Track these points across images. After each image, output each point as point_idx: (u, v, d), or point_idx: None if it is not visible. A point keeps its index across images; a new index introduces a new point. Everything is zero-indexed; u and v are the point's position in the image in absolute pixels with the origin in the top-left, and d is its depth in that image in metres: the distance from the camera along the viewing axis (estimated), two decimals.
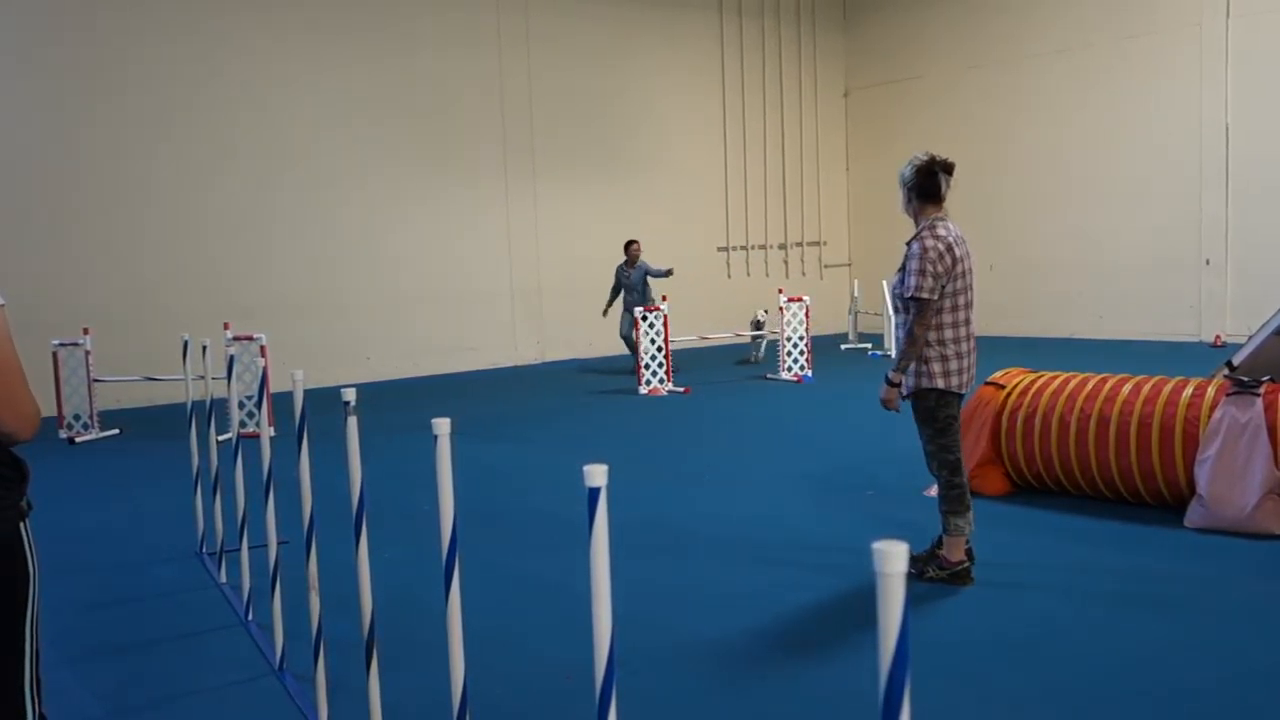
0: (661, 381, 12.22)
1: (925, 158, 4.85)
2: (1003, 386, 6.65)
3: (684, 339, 13.94)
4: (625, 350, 14.04)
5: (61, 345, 10.53)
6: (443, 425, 2.67)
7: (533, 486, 7.48)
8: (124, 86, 12.74)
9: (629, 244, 13.68)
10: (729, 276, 18.51)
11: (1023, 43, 16.94)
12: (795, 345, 12.84)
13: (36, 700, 2.30)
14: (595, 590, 2.06)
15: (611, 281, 13.88)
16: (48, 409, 10.01)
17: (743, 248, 18.73)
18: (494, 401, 12.15)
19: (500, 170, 15.90)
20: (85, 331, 10.72)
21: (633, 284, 13.51)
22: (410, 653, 4.22)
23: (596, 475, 2.04)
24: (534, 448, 9.10)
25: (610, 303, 13.91)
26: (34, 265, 11.87)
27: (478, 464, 7.85)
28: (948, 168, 4.85)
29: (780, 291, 13.49)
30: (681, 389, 12.15)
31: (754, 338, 14.59)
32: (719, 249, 18.44)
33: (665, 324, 12.29)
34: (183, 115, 13.13)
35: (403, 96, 14.85)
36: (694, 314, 16.04)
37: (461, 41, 15.36)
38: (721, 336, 15.12)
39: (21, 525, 2.29)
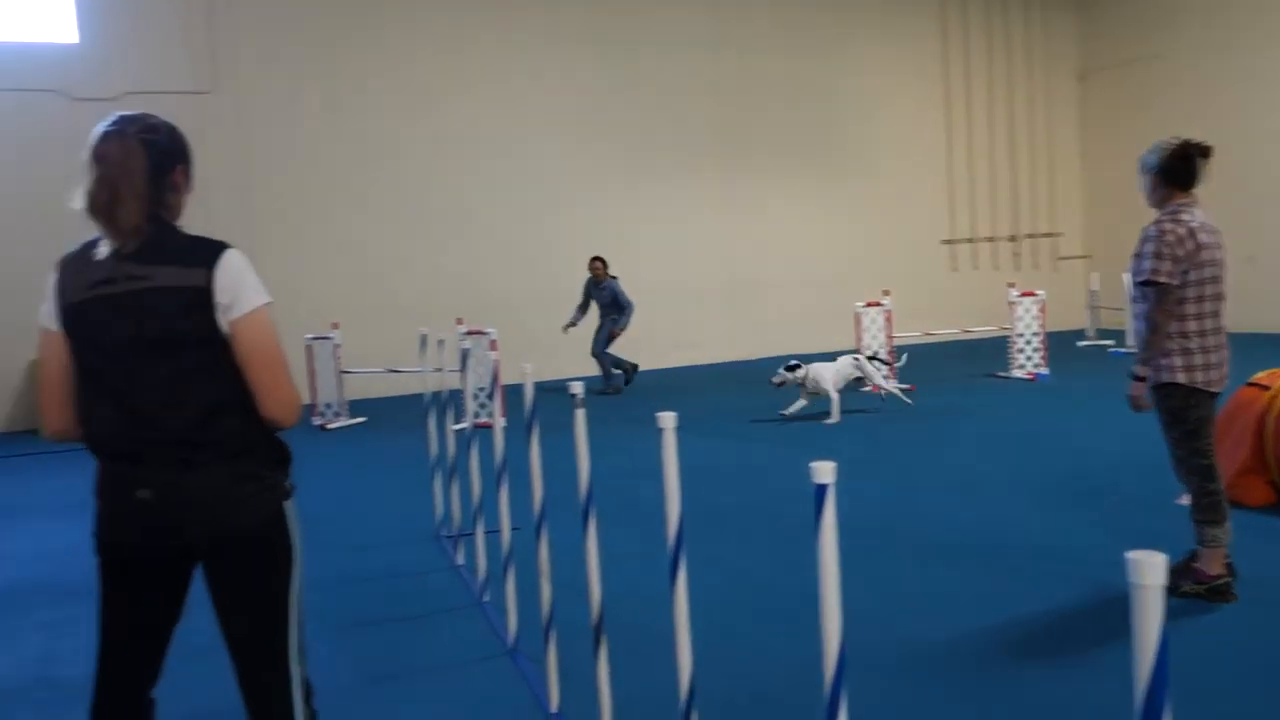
0: (885, 378, 11.94)
1: (1177, 142, 4.53)
2: (1266, 388, 6.13)
3: (907, 335, 13.57)
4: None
5: (314, 339, 11.31)
6: (668, 419, 2.69)
7: (755, 482, 7.48)
8: (363, 91, 13.54)
9: (591, 261, 12.89)
10: (954, 270, 17.91)
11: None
12: (1028, 342, 12.30)
13: (301, 665, 2.48)
14: (824, 588, 2.03)
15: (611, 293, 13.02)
16: (303, 398, 10.77)
17: (969, 240, 18.08)
18: (715, 396, 12.20)
19: (718, 167, 15.95)
20: (334, 326, 11.46)
21: (603, 301, 12.92)
22: (637, 642, 4.29)
23: (824, 472, 2.01)
24: (755, 444, 9.08)
25: (575, 320, 12.97)
26: (290, 265, 12.78)
27: (700, 459, 7.91)
28: (1204, 151, 4.51)
29: (1011, 285, 12.93)
30: (906, 386, 11.84)
31: (784, 381, 10.22)
32: (943, 242, 17.87)
33: (888, 320, 12.00)
34: (420, 121, 13.83)
35: (622, 95, 15.12)
36: (917, 309, 15.61)
37: (680, 40, 15.49)
38: (947, 333, 14.63)
39: (285, 504, 2.47)
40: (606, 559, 3.44)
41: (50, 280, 2.42)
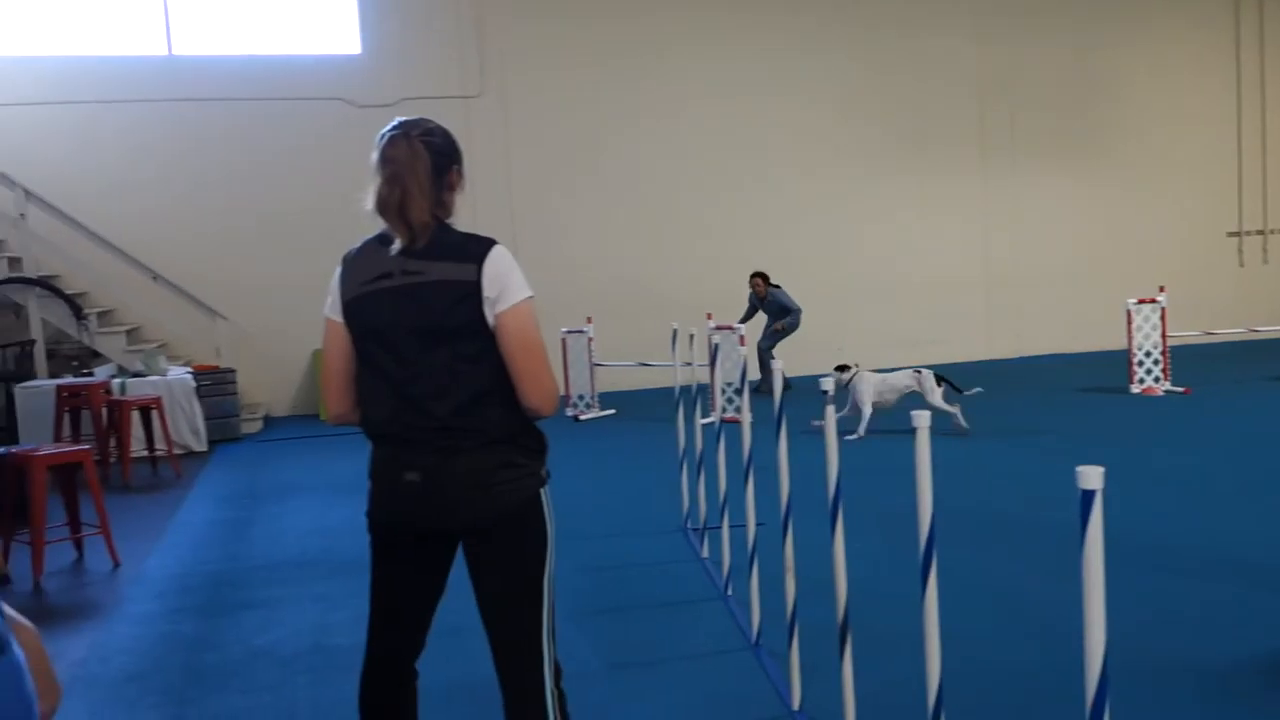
0: (1157, 380, 11.17)
1: None
2: None
3: (1186, 334, 12.61)
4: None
5: (569, 333, 11.72)
6: (922, 418, 2.62)
7: (1006, 486, 7.16)
8: (618, 94, 13.89)
9: (752, 278, 12.82)
10: (1241, 265, 16.50)
11: None
12: None
13: (552, 646, 2.58)
14: (1087, 601, 1.91)
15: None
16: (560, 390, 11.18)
17: (1259, 232, 16.60)
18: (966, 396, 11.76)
19: (975, 158, 15.37)
20: (588, 320, 11.83)
21: (770, 311, 12.66)
22: (880, 643, 4.20)
23: (1091, 477, 1.89)
24: (1009, 446, 8.70)
25: (746, 319, 12.78)
26: (547, 261, 13.29)
27: (948, 459, 7.65)
28: None
29: None
30: (1181, 389, 11.02)
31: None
32: (1229, 234, 16.49)
33: (1163, 318, 11.21)
34: (671, 121, 14.06)
35: (872, 85, 14.82)
36: (1196, 306, 14.49)
37: (933, 27, 15.02)
38: (1232, 332, 13.49)
39: (542, 491, 2.57)
40: (851, 558, 3.38)
41: (334, 275, 2.62)
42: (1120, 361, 12.07)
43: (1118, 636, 3.31)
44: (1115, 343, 12.75)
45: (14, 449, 6.25)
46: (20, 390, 10.12)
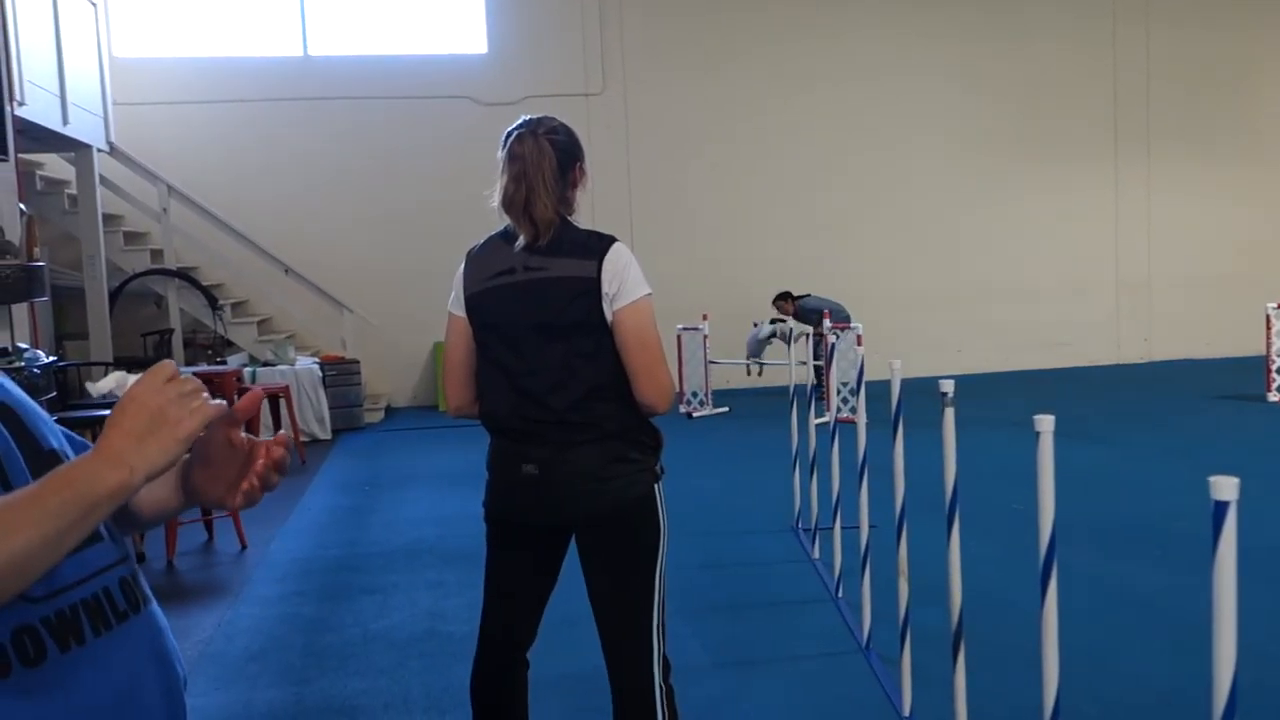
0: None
1: None
2: None
3: None
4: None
5: (684, 330, 11.74)
6: (1045, 422, 2.56)
7: (1133, 494, 6.93)
8: (734, 93, 13.84)
9: (777, 301, 12.34)
10: None
11: None
12: None
13: (661, 641, 2.60)
14: (1217, 615, 1.85)
15: None
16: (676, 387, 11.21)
17: None
18: (1092, 401, 11.41)
19: (1109, 154, 14.85)
20: (704, 318, 11.83)
21: (808, 319, 11.84)
22: (995, 652, 4.11)
23: (1225, 488, 1.83)
24: (1136, 453, 8.41)
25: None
26: (665, 258, 13.32)
27: (1071, 465, 7.43)
28: None
29: None
30: None
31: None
32: None
33: None
34: (786, 121, 13.95)
35: (999, 79, 14.44)
36: None
37: (1070, 15, 14.56)
38: None
39: (656, 486, 2.60)
40: (967, 563, 3.32)
41: (458, 270, 2.69)
42: (1258, 368, 11.53)
43: (1253, 654, 3.17)
44: (1255, 348, 12.16)
45: None
46: None
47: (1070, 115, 14.67)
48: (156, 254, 11.76)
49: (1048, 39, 14.54)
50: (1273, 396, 10.69)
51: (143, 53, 12.53)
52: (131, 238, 11.84)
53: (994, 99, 14.46)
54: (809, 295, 12.45)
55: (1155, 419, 10.09)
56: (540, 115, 2.65)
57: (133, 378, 1.35)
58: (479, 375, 2.66)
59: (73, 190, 10.87)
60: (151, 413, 1.17)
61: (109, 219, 11.25)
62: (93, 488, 1.12)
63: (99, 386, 7.97)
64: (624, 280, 2.49)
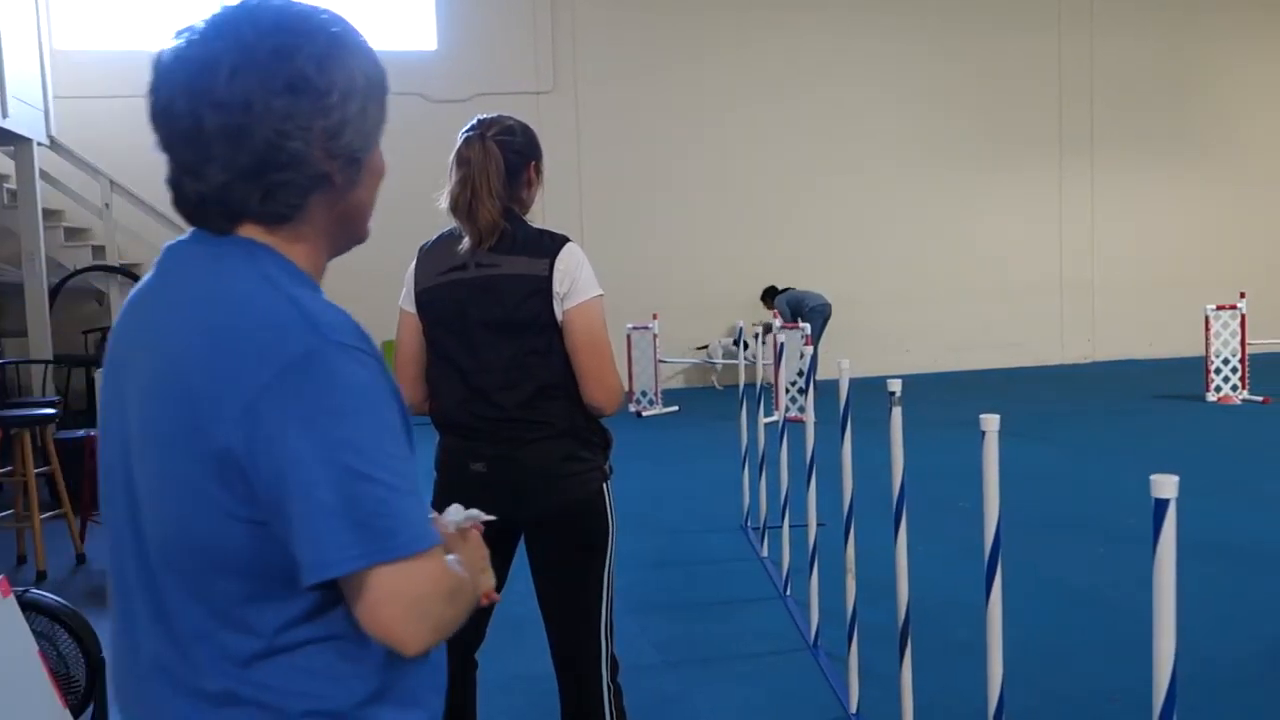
0: (1235, 389, 10.88)
1: None
2: None
3: (1265, 342, 12.23)
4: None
5: (634, 329, 11.75)
6: (991, 421, 2.59)
7: (1077, 493, 7.04)
8: (687, 91, 13.87)
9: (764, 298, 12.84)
10: None
11: None
12: None
13: (609, 640, 2.60)
14: (1157, 609, 1.88)
15: None
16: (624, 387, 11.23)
17: None
18: (1038, 401, 11.59)
19: (1054, 159, 15.10)
20: (654, 317, 11.84)
21: (798, 311, 12.39)
22: (941, 649, 4.16)
23: (1165, 486, 1.87)
24: (1079, 451, 8.55)
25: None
26: (615, 256, 13.32)
27: (1017, 464, 7.53)
28: None
29: None
30: (1260, 398, 10.73)
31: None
32: None
33: (1243, 324, 10.92)
34: (739, 118, 14.01)
35: (951, 81, 14.62)
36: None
37: (1016, 24, 14.77)
38: None
39: (605, 485, 2.59)
40: (914, 562, 3.35)
41: (410, 266, 2.67)
42: (1197, 369, 11.77)
43: (1189, 646, 3.23)
44: (1195, 349, 12.41)
45: (94, 431, 6.43)
46: (101, 374, 10.41)
47: (1016, 121, 14.89)
48: (98, 250, 11.52)
49: (994, 46, 14.74)
50: (1211, 396, 10.92)
51: (84, 45, 12.29)
52: (73, 233, 11.60)
53: (943, 105, 14.63)
54: (790, 289, 12.56)
55: (1098, 418, 10.27)
56: (495, 115, 2.64)
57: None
58: (429, 372, 2.64)
59: (12, 185, 10.61)
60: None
61: (49, 214, 11.00)
62: None
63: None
64: (575, 280, 2.49)
